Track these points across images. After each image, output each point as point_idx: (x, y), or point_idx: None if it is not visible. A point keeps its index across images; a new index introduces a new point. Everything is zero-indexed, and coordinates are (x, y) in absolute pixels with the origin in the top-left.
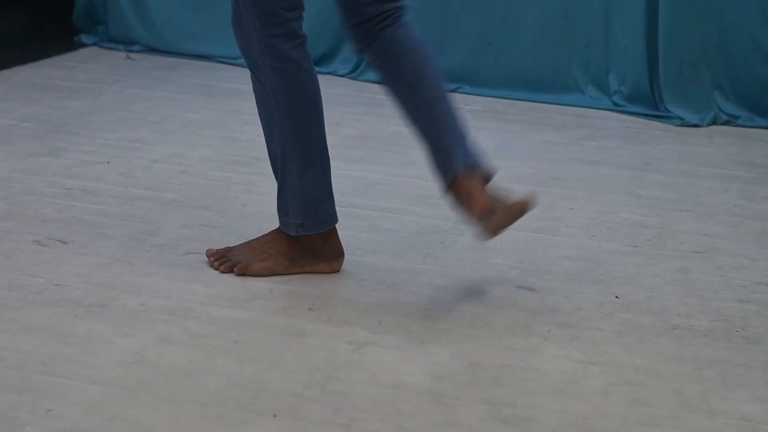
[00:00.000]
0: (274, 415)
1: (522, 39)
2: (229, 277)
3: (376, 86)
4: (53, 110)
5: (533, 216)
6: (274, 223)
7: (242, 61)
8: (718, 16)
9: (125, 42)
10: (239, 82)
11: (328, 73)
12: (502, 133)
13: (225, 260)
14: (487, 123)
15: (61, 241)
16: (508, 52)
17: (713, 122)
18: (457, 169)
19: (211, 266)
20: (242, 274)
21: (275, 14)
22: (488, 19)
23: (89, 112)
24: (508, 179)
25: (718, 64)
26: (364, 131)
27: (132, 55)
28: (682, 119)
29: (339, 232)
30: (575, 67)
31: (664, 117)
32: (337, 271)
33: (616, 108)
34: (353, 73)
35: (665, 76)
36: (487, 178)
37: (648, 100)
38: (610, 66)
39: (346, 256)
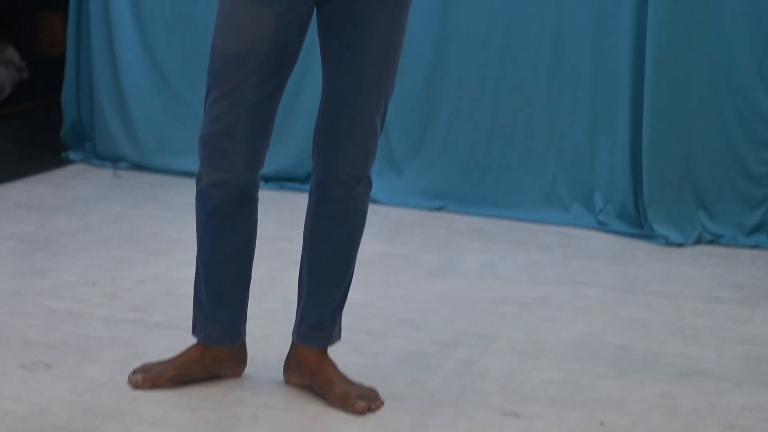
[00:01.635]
0: None
1: (508, 157)
2: (217, 403)
3: None
4: (39, 229)
5: (518, 339)
6: (256, 347)
7: None
8: (702, 135)
9: (113, 159)
10: None
11: None
12: (487, 253)
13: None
14: (473, 242)
15: (46, 365)
16: (494, 171)
17: (698, 241)
18: (297, 336)
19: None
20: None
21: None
22: (474, 137)
23: (75, 231)
24: (493, 300)
25: (702, 183)
26: None
27: (119, 172)
28: (666, 239)
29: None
30: (560, 186)
31: (649, 236)
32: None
33: (601, 227)
34: None
35: (649, 195)
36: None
37: (633, 219)
38: (595, 184)
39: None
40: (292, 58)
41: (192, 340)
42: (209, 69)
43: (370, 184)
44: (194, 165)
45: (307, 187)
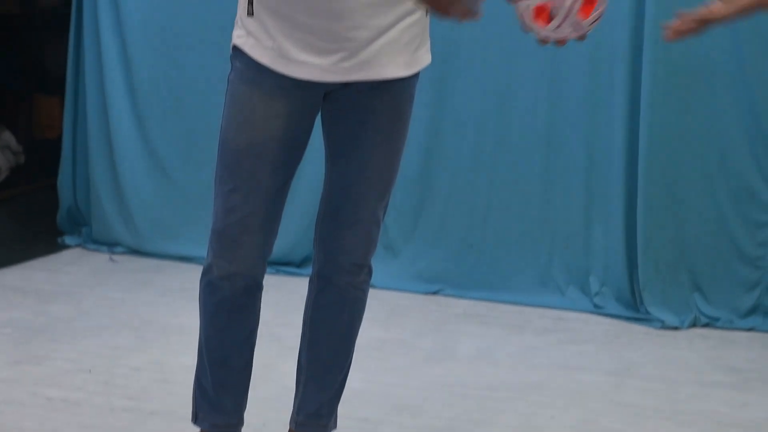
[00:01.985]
0: None
1: (503, 241)
2: None
3: None
4: (35, 315)
5: (514, 426)
6: None
7: None
8: (696, 218)
9: (108, 243)
10: None
11: (308, 276)
12: (483, 338)
13: None
14: (469, 327)
15: None
16: (489, 254)
17: (693, 324)
18: (295, 424)
19: None
20: None
21: None
22: (469, 221)
23: (71, 317)
24: (489, 386)
25: (696, 265)
26: None
27: (115, 257)
28: (662, 322)
29: None
30: (556, 269)
31: (645, 319)
32: None
33: (597, 310)
34: None
35: (644, 278)
36: None
37: (628, 302)
38: (590, 268)
39: None
40: (303, 148)
41: (191, 429)
42: (221, 160)
43: (370, 272)
44: (189, 249)
45: (303, 271)
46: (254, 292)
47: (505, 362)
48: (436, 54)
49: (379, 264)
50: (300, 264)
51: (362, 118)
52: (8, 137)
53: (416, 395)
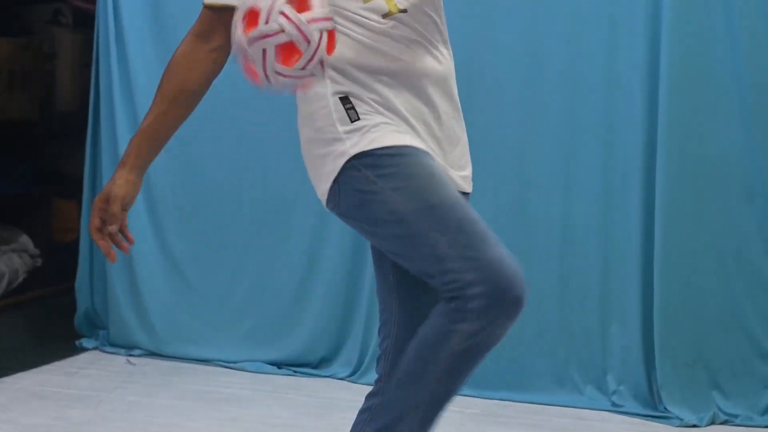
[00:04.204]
0: None
1: (520, 340)
2: None
3: None
4: (53, 420)
5: None
6: None
7: (242, 365)
8: (713, 314)
9: (126, 346)
10: (239, 387)
11: (327, 376)
12: None
13: None
14: (487, 427)
15: None
16: (506, 353)
17: (712, 422)
18: None
19: None
20: None
21: None
22: None
23: (88, 421)
24: None
25: (715, 362)
26: None
27: (132, 359)
28: (681, 419)
29: None
30: (573, 368)
31: (664, 417)
32: None
33: (615, 408)
34: (353, 376)
35: (662, 376)
36: None
37: (647, 401)
38: (607, 366)
39: None
40: None
41: None
42: (442, 227)
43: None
44: (207, 352)
45: (321, 372)
46: None
47: None
48: None
49: None
50: (317, 365)
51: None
52: (26, 240)
53: None
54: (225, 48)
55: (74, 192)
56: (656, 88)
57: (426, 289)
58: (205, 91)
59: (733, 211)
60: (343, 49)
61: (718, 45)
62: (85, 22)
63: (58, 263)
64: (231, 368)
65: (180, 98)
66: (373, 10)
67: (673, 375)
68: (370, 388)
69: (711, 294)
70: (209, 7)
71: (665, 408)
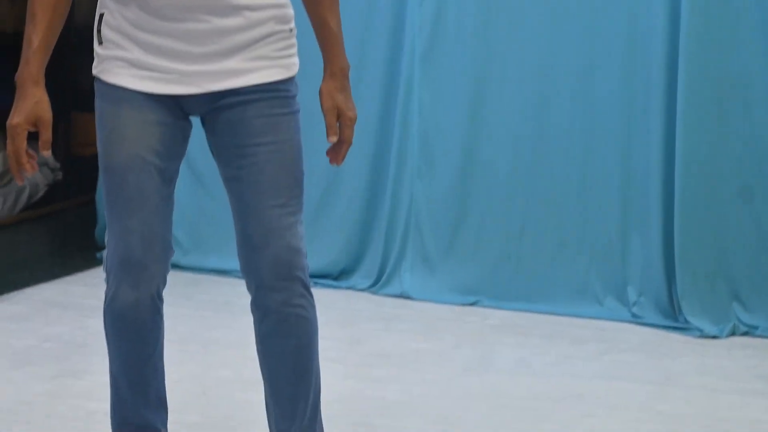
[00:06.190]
0: None
1: (540, 252)
2: None
3: (395, 300)
4: (75, 329)
5: None
6: None
7: None
8: (734, 226)
9: None
10: None
11: (347, 288)
12: (521, 348)
13: None
14: (507, 337)
15: None
16: (526, 265)
17: (732, 333)
18: None
19: None
20: None
21: None
22: (507, 233)
23: None
24: (528, 397)
25: (735, 274)
26: (383, 348)
27: None
28: (701, 331)
29: None
30: (593, 280)
31: (683, 328)
32: None
33: (635, 320)
34: (373, 287)
35: (683, 287)
36: None
37: (667, 312)
38: (628, 278)
39: None
40: (179, 160)
41: None
42: (105, 184)
43: (305, 286)
44: (226, 263)
45: (341, 284)
46: (161, 308)
47: (544, 372)
48: (470, 71)
49: (416, 276)
50: (337, 277)
51: (239, 132)
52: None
53: (455, 406)
54: None
55: (93, 105)
56: (679, 3)
57: None
58: None
59: (755, 125)
60: None
61: None
62: None
63: (78, 176)
64: None
65: (60, 4)
66: None
67: (693, 287)
68: (390, 300)
69: (731, 206)
70: None
71: (685, 319)
